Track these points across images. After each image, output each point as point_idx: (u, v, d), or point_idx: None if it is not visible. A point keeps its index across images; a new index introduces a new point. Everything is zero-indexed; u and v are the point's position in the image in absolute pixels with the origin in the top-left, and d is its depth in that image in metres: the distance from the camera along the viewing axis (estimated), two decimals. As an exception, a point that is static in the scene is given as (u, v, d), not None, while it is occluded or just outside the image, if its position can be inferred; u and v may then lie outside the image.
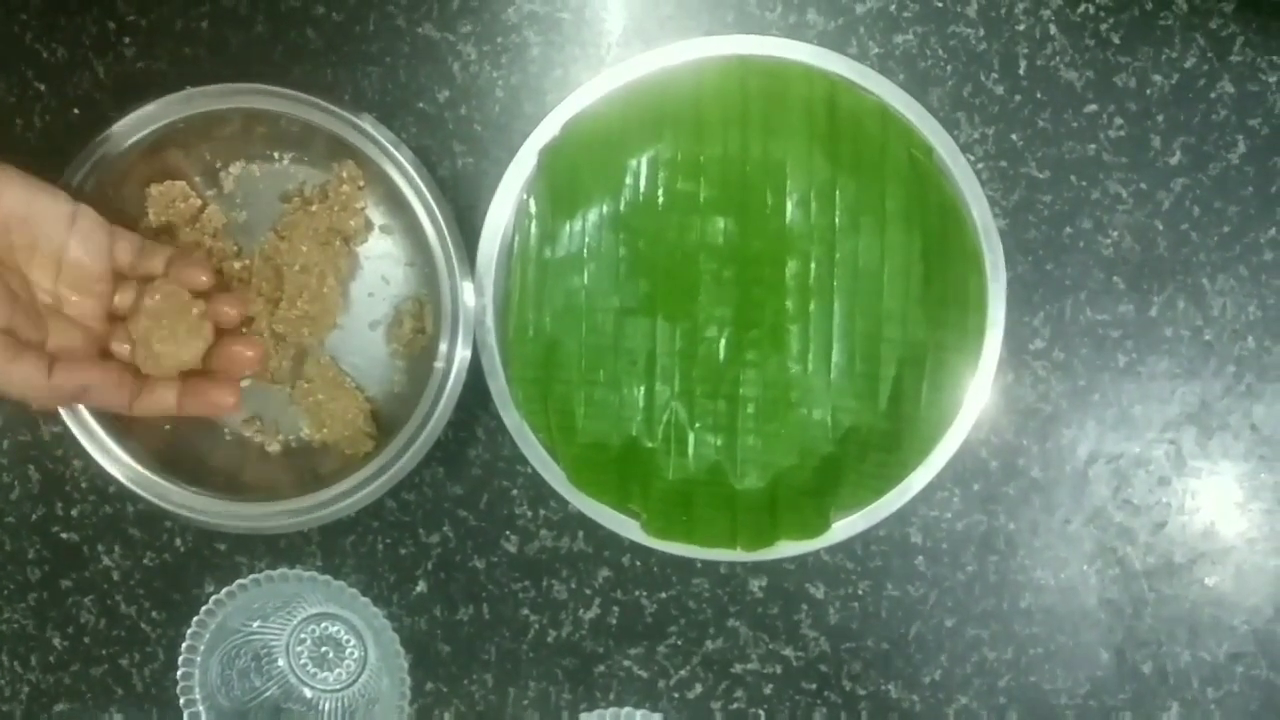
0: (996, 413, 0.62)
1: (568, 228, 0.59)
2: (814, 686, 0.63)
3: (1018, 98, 0.61)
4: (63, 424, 0.57)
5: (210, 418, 0.62)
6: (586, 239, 0.59)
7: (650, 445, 0.60)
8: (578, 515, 0.60)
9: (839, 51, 0.58)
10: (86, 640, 0.65)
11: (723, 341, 0.60)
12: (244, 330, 0.60)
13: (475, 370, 0.58)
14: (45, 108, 0.63)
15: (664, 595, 0.63)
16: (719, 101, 0.59)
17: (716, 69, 0.58)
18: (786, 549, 0.58)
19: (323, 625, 0.64)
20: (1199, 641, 0.62)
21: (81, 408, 0.57)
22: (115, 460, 0.57)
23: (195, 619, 0.60)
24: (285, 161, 0.61)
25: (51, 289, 0.51)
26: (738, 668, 0.63)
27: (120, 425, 0.58)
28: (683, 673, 0.63)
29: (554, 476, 0.58)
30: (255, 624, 0.63)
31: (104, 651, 0.65)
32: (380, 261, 0.61)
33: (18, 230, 0.50)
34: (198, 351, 0.54)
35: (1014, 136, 0.61)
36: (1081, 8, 0.61)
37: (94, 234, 0.52)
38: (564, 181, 0.58)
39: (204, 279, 0.54)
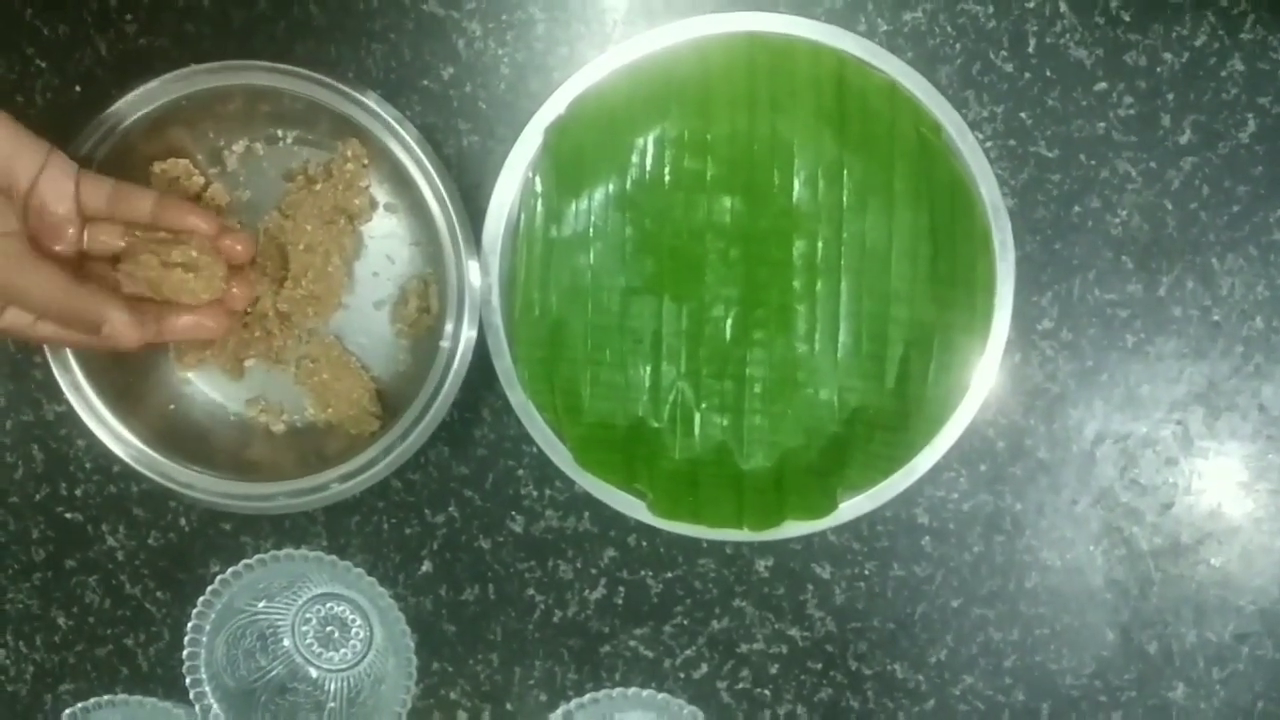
0: (1004, 393, 0.62)
1: (574, 206, 0.59)
2: (820, 666, 0.63)
3: (1027, 76, 0.61)
4: (66, 403, 0.57)
5: (214, 398, 0.62)
6: (592, 218, 0.59)
7: (656, 425, 0.60)
8: (583, 495, 0.60)
9: (847, 29, 0.58)
10: (91, 620, 0.65)
11: (729, 321, 0.59)
12: (248, 310, 0.60)
13: (481, 350, 0.57)
14: (47, 85, 0.62)
15: (670, 575, 0.63)
16: (726, 79, 0.58)
17: (724, 46, 0.58)
18: (793, 529, 0.58)
19: (328, 605, 0.64)
20: (1205, 621, 0.62)
21: (86, 386, 0.57)
22: (119, 440, 0.57)
23: (200, 599, 0.60)
24: (289, 140, 0.61)
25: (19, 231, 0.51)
26: (744, 648, 0.63)
27: (125, 404, 0.58)
28: (688, 652, 0.63)
29: (560, 456, 0.58)
30: (261, 604, 0.63)
31: (109, 631, 0.65)
32: (385, 241, 0.61)
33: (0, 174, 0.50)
34: (215, 289, 0.55)
35: (1023, 115, 0.61)
36: (1091, -15, 0.61)
37: (61, 178, 0.51)
38: (570, 160, 0.58)
39: (240, 250, 0.55)
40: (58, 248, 0.52)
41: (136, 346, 0.53)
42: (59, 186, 0.51)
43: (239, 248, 0.55)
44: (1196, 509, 0.62)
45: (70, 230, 0.52)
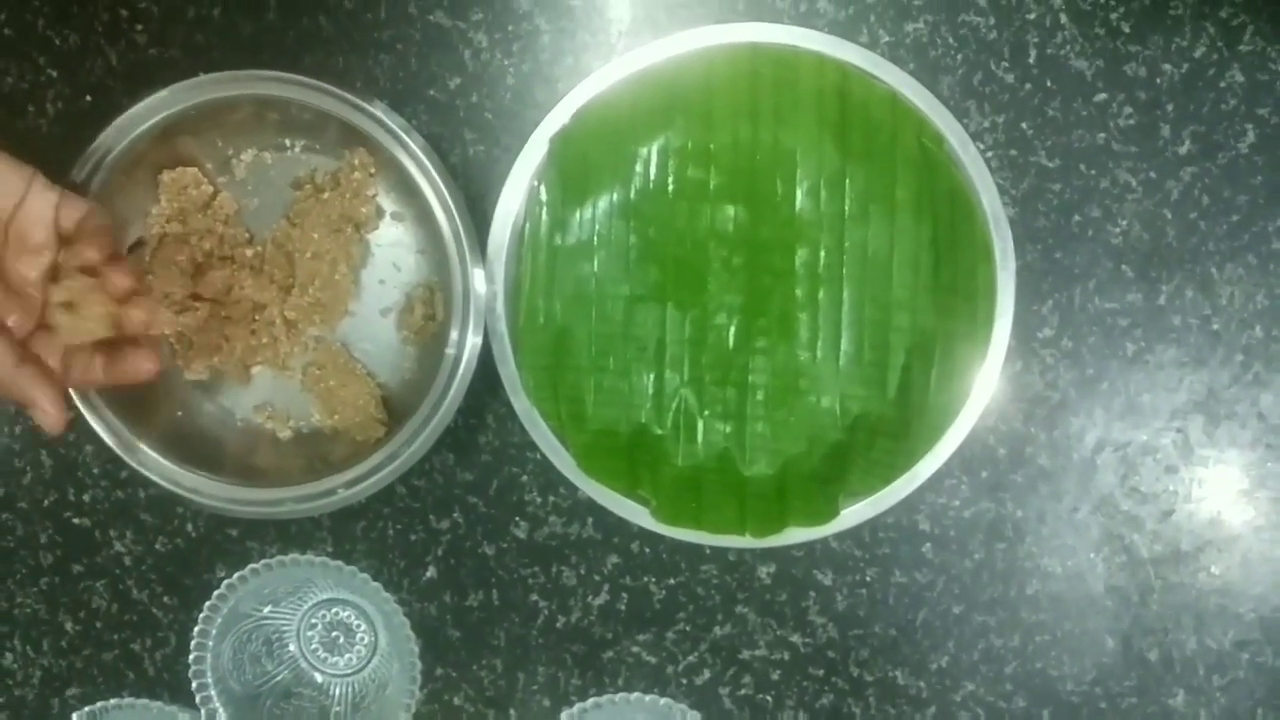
0: (1005, 400, 0.62)
1: (578, 215, 0.59)
2: (821, 673, 0.64)
3: (1028, 86, 0.61)
4: (75, 409, 0.57)
5: (221, 404, 0.62)
6: (597, 226, 0.59)
7: (660, 432, 0.60)
8: (587, 502, 0.60)
9: (850, 40, 0.58)
10: (98, 625, 0.65)
11: (732, 329, 0.60)
12: (256, 317, 0.60)
13: (486, 357, 0.58)
14: (58, 95, 0.63)
15: (672, 581, 0.63)
16: (729, 89, 0.59)
17: (727, 57, 0.58)
18: (795, 536, 0.59)
19: (333, 610, 0.64)
20: (1205, 629, 0.62)
21: (94, 392, 0.57)
22: (127, 446, 0.58)
23: (207, 604, 0.61)
24: (297, 149, 0.61)
25: None
26: (746, 654, 0.64)
27: (133, 410, 0.58)
28: (691, 658, 0.64)
29: (564, 463, 0.59)
30: (266, 609, 0.63)
31: (116, 636, 0.65)
32: (391, 249, 0.62)
33: None
34: (103, 321, 0.51)
35: (1024, 125, 0.61)
36: (1092, -4, 0.61)
37: (42, 203, 0.50)
38: (575, 169, 0.59)
39: (116, 282, 0.51)
40: (33, 274, 0.50)
41: (58, 433, 0.51)
42: (40, 212, 0.50)
43: (123, 283, 0.51)
44: (1196, 517, 0.62)
45: (47, 255, 0.51)
